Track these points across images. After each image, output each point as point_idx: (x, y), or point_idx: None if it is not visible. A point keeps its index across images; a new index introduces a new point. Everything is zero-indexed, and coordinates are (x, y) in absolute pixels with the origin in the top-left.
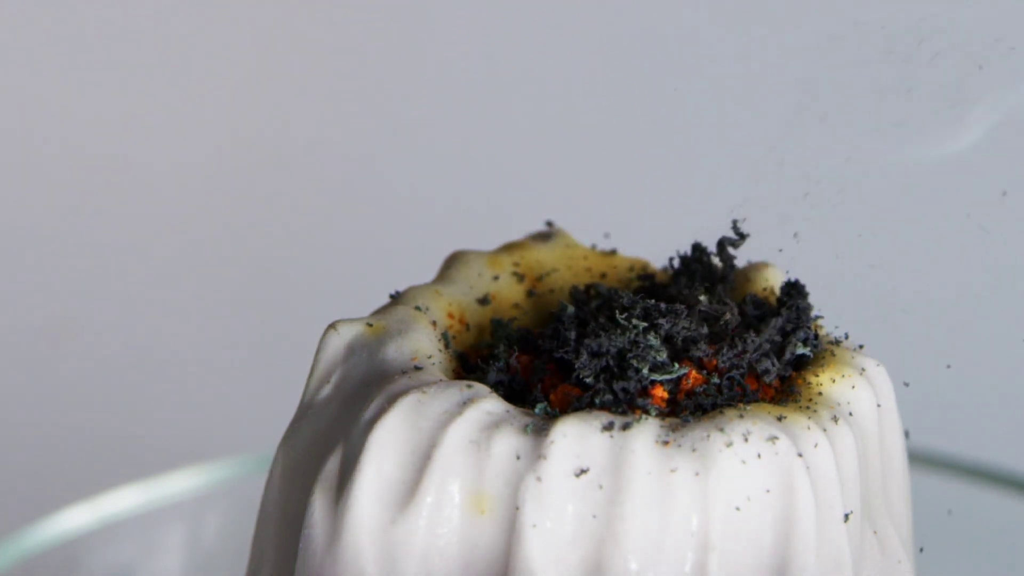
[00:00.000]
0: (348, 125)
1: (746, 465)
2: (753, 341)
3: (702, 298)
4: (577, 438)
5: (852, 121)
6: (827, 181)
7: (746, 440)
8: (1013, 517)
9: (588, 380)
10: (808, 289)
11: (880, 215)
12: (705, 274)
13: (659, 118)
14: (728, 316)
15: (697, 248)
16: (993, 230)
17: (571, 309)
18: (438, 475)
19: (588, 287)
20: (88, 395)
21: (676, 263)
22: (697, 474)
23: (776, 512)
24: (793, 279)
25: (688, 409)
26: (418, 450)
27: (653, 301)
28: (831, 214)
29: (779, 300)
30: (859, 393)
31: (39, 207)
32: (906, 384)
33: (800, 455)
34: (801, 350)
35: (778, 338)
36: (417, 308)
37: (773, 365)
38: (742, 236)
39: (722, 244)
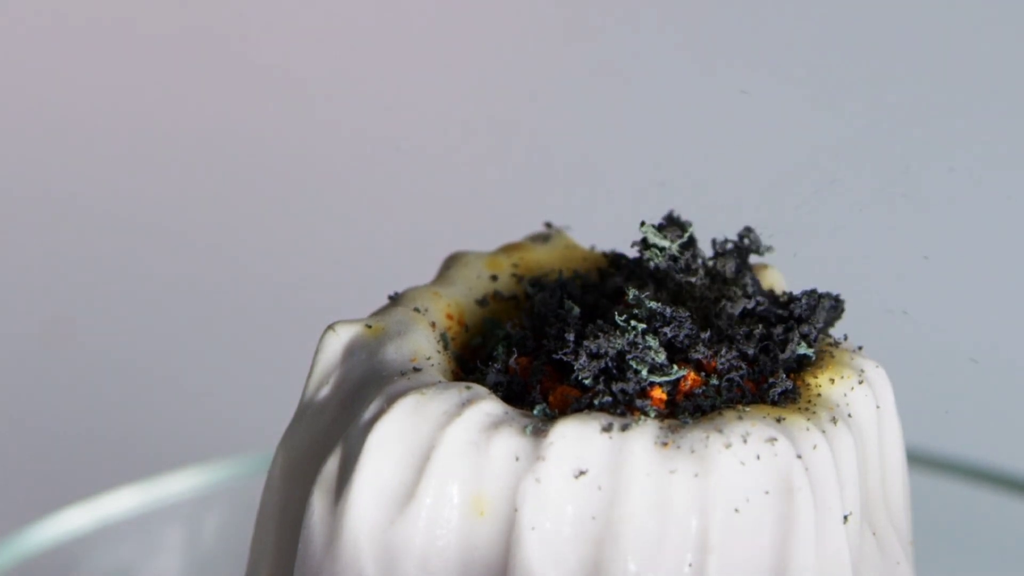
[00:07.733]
0: (348, 126)
1: (745, 466)
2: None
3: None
4: (576, 439)
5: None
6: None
7: (745, 442)
8: (1013, 517)
9: (587, 381)
10: (819, 293)
11: (880, 216)
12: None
13: (659, 118)
14: (695, 279)
15: (670, 219)
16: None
17: (576, 310)
18: (437, 476)
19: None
20: (87, 395)
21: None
22: (696, 475)
23: (775, 514)
24: (823, 292)
25: (687, 410)
26: (417, 451)
27: (658, 304)
28: (833, 215)
29: (789, 298)
30: (858, 395)
31: (39, 207)
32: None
33: (799, 456)
34: (803, 350)
35: (781, 336)
36: (416, 309)
37: (779, 379)
38: (750, 232)
39: (739, 236)
